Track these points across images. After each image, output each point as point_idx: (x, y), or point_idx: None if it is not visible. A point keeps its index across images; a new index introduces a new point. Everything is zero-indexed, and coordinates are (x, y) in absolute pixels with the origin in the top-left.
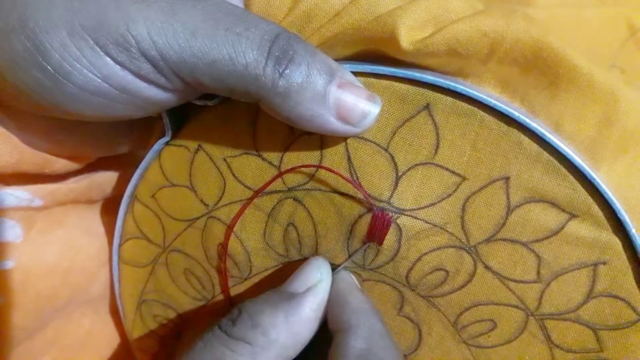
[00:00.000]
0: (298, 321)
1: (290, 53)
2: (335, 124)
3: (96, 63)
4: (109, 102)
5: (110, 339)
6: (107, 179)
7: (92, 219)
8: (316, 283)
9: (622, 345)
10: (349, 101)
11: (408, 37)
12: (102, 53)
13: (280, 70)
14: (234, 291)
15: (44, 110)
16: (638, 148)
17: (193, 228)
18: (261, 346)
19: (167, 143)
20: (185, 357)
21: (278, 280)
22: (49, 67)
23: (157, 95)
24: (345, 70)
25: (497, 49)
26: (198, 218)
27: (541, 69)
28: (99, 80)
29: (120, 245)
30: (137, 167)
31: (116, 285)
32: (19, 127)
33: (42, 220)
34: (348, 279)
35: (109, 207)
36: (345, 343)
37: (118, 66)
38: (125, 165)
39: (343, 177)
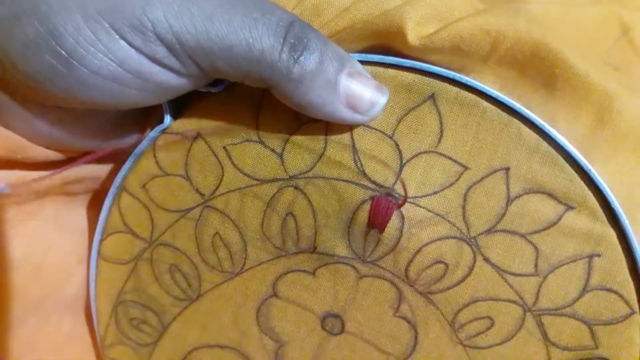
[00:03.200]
0: None
1: (305, 40)
2: (344, 112)
3: (111, 47)
4: (122, 88)
5: (92, 343)
6: (88, 171)
7: (72, 213)
8: None
9: (617, 340)
10: (358, 90)
11: (415, 32)
12: (117, 37)
13: (295, 57)
14: (222, 289)
15: (54, 99)
16: (630, 149)
17: (186, 219)
18: None
19: (163, 131)
20: None
21: (270, 279)
22: (62, 52)
23: (171, 80)
24: (355, 61)
25: (498, 47)
26: (193, 208)
27: (539, 68)
28: (114, 64)
29: (101, 241)
30: (128, 156)
31: (92, 284)
32: (36, 122)
33: (14, 211)
34: None
35: (98, 201)
36: None
37: (133, 50)
38: (112, 158)
39: None
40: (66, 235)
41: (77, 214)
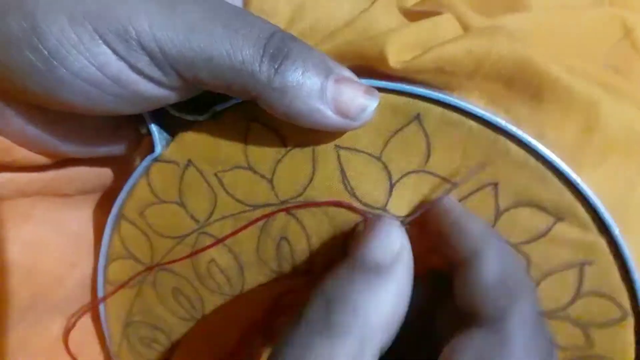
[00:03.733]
0: (395, 296)
1: (285, 50)
2: (334, 119)
3: (93, 50)
4: (100, 93)
5: (81, 346)
6: (79, 173)
7: (64, 215)
8: (400, 250)
9: (611, 342)
10: (347, 95)
11: (396, 57)
12: (100, 41)
13: (276, 67)
14: (222, 308)
15: (30, 97)
16: (618, 155)
17: (183, 245)
18: (364, 336)
19: (155, 159)
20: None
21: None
22: (44, 50)
23: (150, 90)
24: (342, 67)
25: (482, 64)
26: (188, 235)
27: (524, 82)
28: (94, 68)
29: (105, 266)
30: (123, 185)
31: (101, 307)
32: (13, 119)
33: (6, 213)
34: (457, 207)
35: (104, 204)
36: (477, 270)
37: (115, 56)
38: (102, 162)
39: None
40: (59, 237)
41: (71, 215)
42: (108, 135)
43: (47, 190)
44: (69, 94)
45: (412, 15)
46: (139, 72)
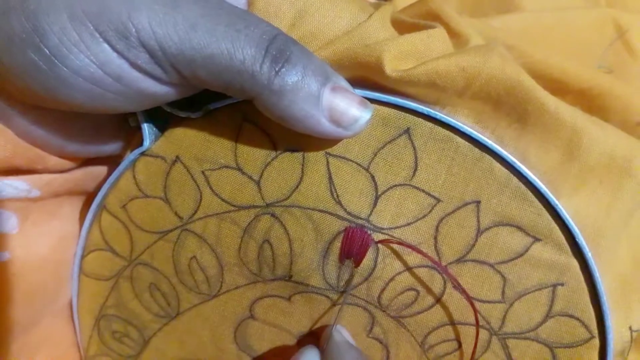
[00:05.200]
0: None
1: (287, 53)
2: (326, 126)
3: (94, 49)
4: (102, 91)
5: None
6: (102, 171)
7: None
8: None
9: None
10: (342, 105)
11: (392, 64)
12: (100, 39)
13: (277, 69)
14: (200, 309)
15: (34, 97)
16: (597, 181)
17: (164, 241)
18: None
19: (142, 153)
20: None
21: (246, 302)
22: (46, 50)
23: (151, 87)
24: (339, 76)
25: (472, 83)
26: (171, 231)
27: (512, 104)
28: (95, 66)
29: (82, 257)
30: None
31: (74, 299)
32: (17, 120)
33: (37, 211)
34: (339, 344)
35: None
36: None
37: (115, 54)
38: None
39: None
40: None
41: None
42: (113, 133)
43: (76, 190)
44: (71, 93)
45: (406, 27)
46: (140, 70)
